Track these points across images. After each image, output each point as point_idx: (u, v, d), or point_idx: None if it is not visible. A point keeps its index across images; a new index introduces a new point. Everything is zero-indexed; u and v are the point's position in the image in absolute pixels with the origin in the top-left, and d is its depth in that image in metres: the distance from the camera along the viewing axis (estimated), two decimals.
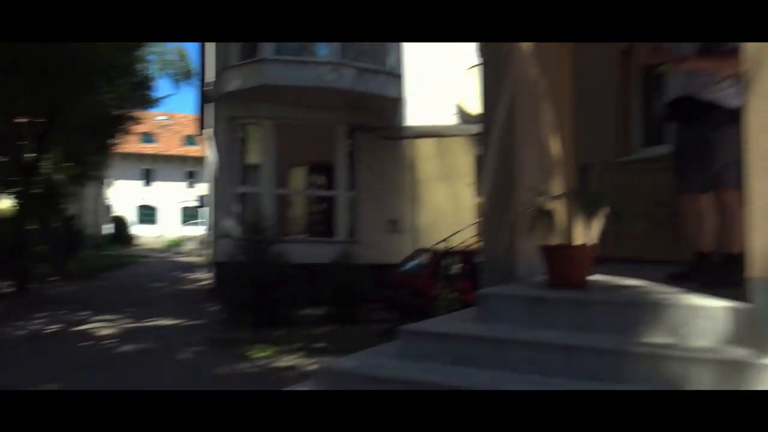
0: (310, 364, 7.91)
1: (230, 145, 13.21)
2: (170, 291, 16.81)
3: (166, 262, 29.34)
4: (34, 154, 15.17)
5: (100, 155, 23.48)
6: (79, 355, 8.32)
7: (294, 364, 7.91)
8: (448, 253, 10.46)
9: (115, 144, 21.56)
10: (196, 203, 40.07)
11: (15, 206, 15.11)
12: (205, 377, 7.19)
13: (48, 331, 10.24)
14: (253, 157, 14.02)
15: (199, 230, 40.05)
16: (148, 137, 46.90)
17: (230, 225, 13.03)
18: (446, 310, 8.54)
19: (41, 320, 11.23)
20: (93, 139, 19.29)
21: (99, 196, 36.03)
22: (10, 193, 14.47)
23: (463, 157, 14.57)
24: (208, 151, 18.83)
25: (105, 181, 31.81)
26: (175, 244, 39.66)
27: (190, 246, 38.14)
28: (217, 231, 13.36)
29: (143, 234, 45.60)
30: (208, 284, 18.64)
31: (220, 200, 13.20)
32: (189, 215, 47.82)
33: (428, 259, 10.39)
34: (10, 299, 13.88)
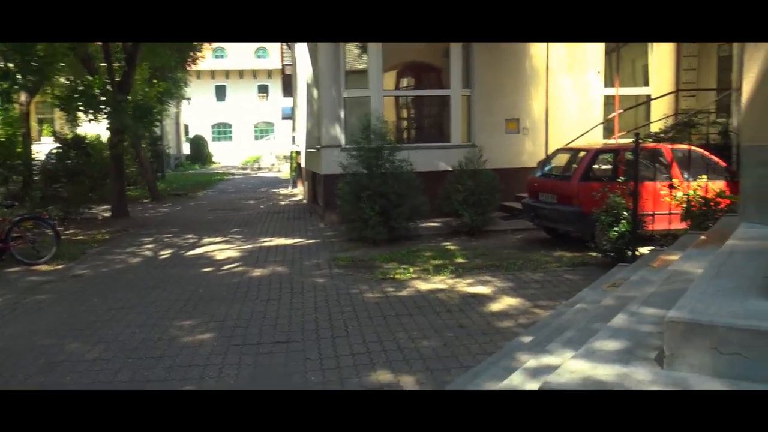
0: (467, 285, 6.87)
1: (331, 45, 11.86)
2: (267, 208, 16.09)
3: (250, 179, 28.91)
4: (124, 73, 14.33)
5: (180, 71, 22.73)
6: (210, 284, 7.55)
7: (449, 285, 6.88)
8: (604, 150, 9.01)
9: (194, 59, 20.61)
10: (275, 117, 39.27)
11: (108, 128, 14.41)
12: (358, 303, 6.26)
13: (163, 256, 9.58)
14: (358, 59, 12.68)
15: (275, 144, 39.48)
16: (219, 52, 45.84)
17: (336, 134, 11.92)
18: (612, 219, 7.27)
19: (150, 245, 10.63)
20: (175, 55, 18.40)
21: (178, 116, 35.70)
22: (103, 113, 13.69)
23: (593, 43, 12.80)
24: (299, 56, 17.55)
25: (183, 99, 31.19)
26: (254, 161, 39.29)
27: (269, 161, 37.71)
28: (320, 141, 12.27)
29: (219, 151, 45.50)
30: (302, 199, 17.91)
31: (323, 107, 12.01)
32: (263, 130, 47.28)
33: (578, 159, 8.98)
34: (110, 223, 13.45)
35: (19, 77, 12.57)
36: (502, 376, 2.99)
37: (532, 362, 2.88)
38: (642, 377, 2.13)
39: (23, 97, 18.52)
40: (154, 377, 4.52)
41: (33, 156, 19.08)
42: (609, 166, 8.90)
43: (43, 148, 22.02)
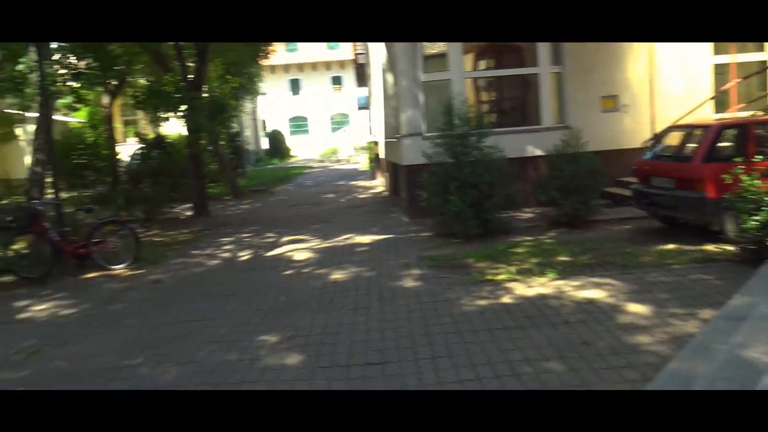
0: (579, 287, 5.98)
1: None
2: (347, 202, 15.57)
3: (328, 172, 28.63)
4: (196, 70, 14.09)
5: (254, 67, 22.60)
6: (291, 289, 7.01)
7: (557, 288, 6.01)
8: (729, 125, 7.84)
9: (266, 54, 20.36)
10: (350, 108, 38.88)
11: (184, 125, 14.23)
12: (457, 312, 5.51)
13: (243, 258, 9.16)
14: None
15: (351, 135, 39.13)
16: (292, 45, 45.95)
17: (416, 121, 11.16)
18: (752, 205, 6.17)
19: (230, 245, 10.26)
20: (248, 50, 18.14)
21: (254, 111, 35.92)
22: (177, 111, 13.50)
23: None
24: (372, 44, 16.82)
25: (258, 94, 31.23)
26: (331, 153, 39.10)
27: (345, 153, 37.41)
28: (400, 130, 11.55)
29: (297, 145, 45.67)
30: (382, 191, 17.30)
31: (401, 94, 11.26)
32: (339, 122, 47.10)
33: (696, 137, 7.84)
34: (192, 222, 13.26)
35: (95, 77, 12.54)
36: None
37: None
38: None
39: (105, 99, 18.82)
40: None
41: (117, 157, 19.38)
42: (735, 144, 7.69)
43: (127, 149, 22.43)
